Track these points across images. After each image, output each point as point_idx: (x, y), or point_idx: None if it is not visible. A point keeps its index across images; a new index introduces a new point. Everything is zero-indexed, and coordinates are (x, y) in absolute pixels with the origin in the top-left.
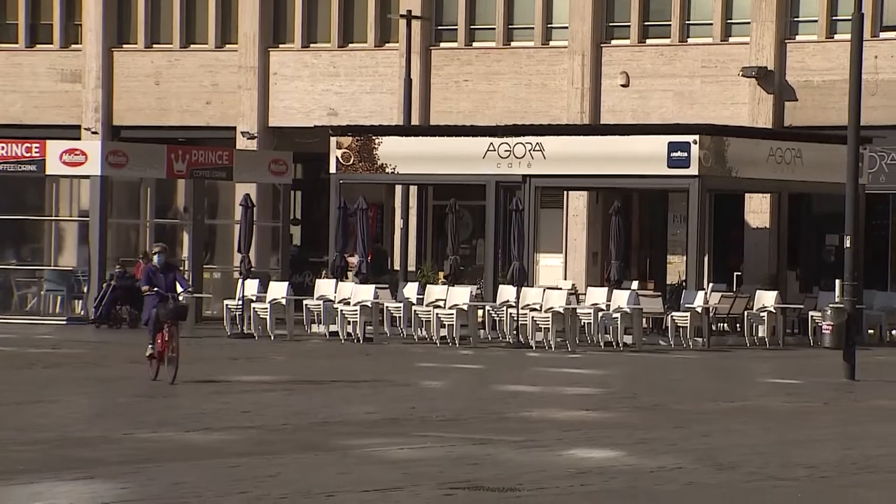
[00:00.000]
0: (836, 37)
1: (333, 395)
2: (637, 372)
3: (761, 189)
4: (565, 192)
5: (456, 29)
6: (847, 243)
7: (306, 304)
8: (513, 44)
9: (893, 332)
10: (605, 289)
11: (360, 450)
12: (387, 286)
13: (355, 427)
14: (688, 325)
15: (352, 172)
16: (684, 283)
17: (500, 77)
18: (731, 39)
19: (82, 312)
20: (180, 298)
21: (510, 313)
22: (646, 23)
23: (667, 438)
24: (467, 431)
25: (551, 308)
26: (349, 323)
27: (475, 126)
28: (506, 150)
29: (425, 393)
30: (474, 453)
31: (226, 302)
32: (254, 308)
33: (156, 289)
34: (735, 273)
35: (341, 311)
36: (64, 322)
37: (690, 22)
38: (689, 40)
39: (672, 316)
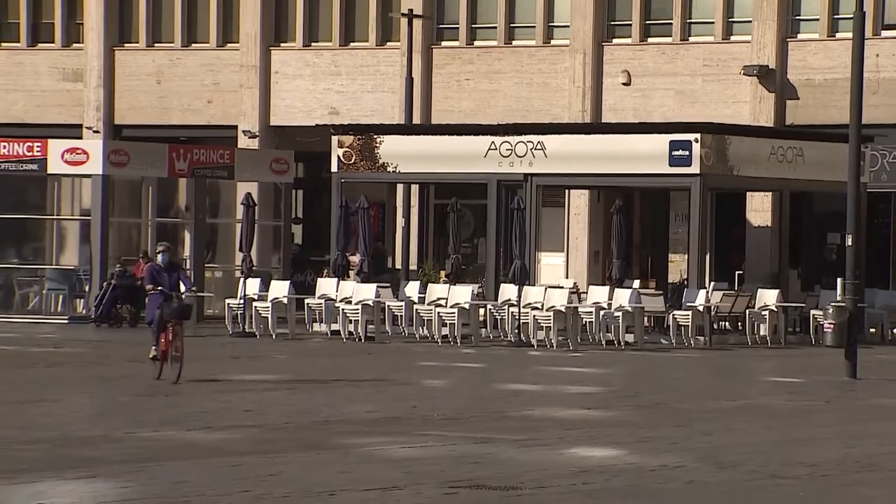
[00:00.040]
0: (838, 35)
1: (335, 394)
2: (639, 370)
3: (763, 188)
4: (567, 191)
5: (457, 28)
6: (848, 242)
7: (308, 303)
8: (514, 42)
9: (895, 330)
10: (607, 287)
11: (361, 448)
12: (388, 285)
13: (357, 426)
14: (689, 323)
15: (353, 171)
16: (686, 282)
17: (502, 76)
18: (733, 38)
19: (84, 311)
20: (184, 298)
21: (512, 312)
22: (647, 21)
23: (668, 437)
24: (469, 430)
25: (553, 307)
26: (351, 322)
27: (477, 125)
28: (507, 149)
29: (427, 392)
30: (476, 452)
31: (227, 301)
32: (255, 307)
33: (160, 288)
34: (737, 272)
35: (343, 309)
36: (66, 321)
37: (692, 20)
38: (691, 39)
39: (674, 314)
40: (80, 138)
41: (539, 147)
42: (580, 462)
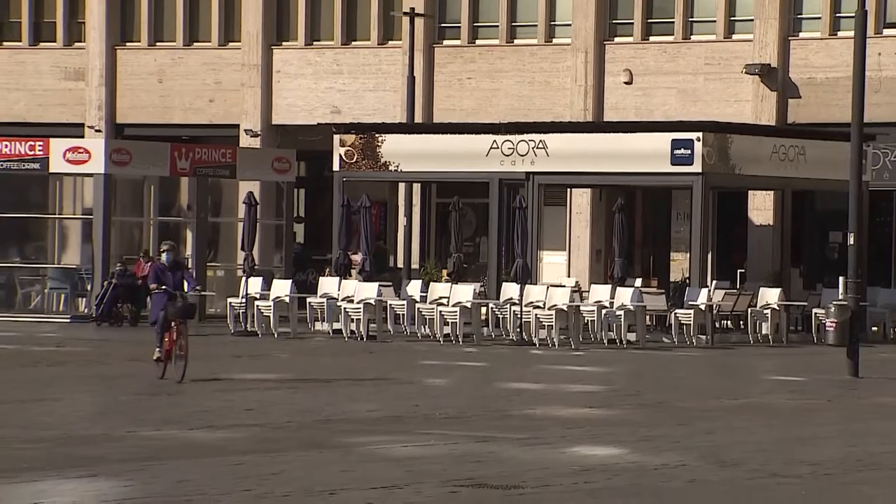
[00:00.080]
0: (840, 34)
1: (337, 393)
2: (640, 369)
3: (765, 186)
4: (569, 190)
5: (459, 26)
6: (850, 240)
7: (310, 302)
8: (516, 41)
9: None
10: (609, 286)
11: (363, 447)
12: (390, 284)
13: (359, 425)
14: (691, 322)
15: (355, 170)
16: (688, 281)
17: (504, 74)
18: (735, 37)
19: (86, 310)
20: (188, 297)
21: (513, 311)
22: (649, 20)
23: (670, 436)
24: (471, 429)
25: (555, 305)
26: (353, 321)
27: (478, 123)
28: (509, 148)
29: (429, 390)
30: (478, 451)
31: (229, 300)
32: (257, 306)
33: (164, 287)
34: (738, 270)
35: (345, 308)
36: (68, 320)
37: (694, 19)
38: (693, 37)
39: (675, 313)
40: (82, 137)
41: (541, 146)
42: (582, 461)
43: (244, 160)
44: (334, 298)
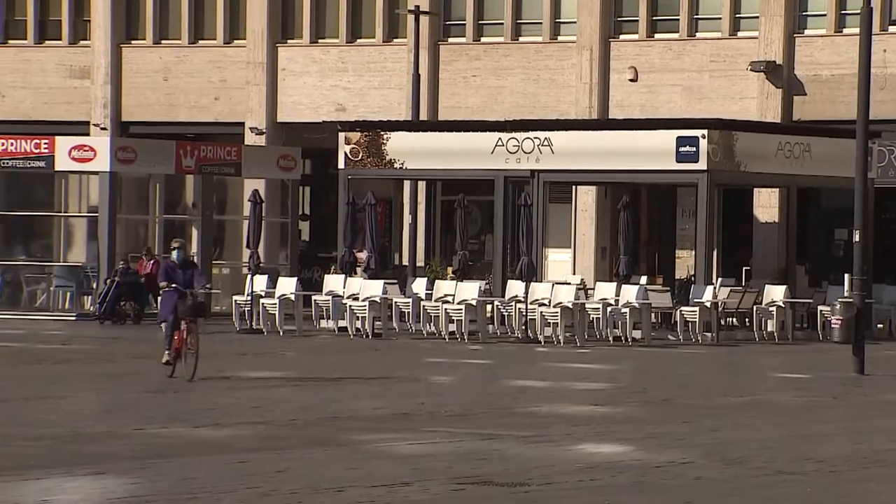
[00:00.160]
0: (845, 31)
1: (342, 391)
2: (646, 367)
3: (770, 183)
4: (574, 187)
5: (464, 24)
6: (856, 237)
7: (315, 300)
8: (521, 39)
9: None
10: (614, 284)
11: (369, 445)
12: (395, 281)
13: (364, 422)
14: (696, 319)
15: (360, 168)
16: (693, 278)
17: (509, 72)
18: (740, 34)
19: (91, 308)
20: (198, 295)
21: (519, 308)
22: (654, 17)
23: (676, 433)
24: (476, 426)
25: (560, 303)
26: (358, 318)
27: (483, 121)
28: (514, 145)
29: (434, 388)
30: (483, 448)
31: (235, 297)
32: (263, 304)
33: (174, 285)
34: (744, 268)
35: (350, 306)
36: (73, 318)
37: (699, 16)
38: (698, 35)
39: (681, 311)
40: (88, 135)
41: (546, 143)
42: (587, 458)
43: (249, 158)
44: (340, 296)
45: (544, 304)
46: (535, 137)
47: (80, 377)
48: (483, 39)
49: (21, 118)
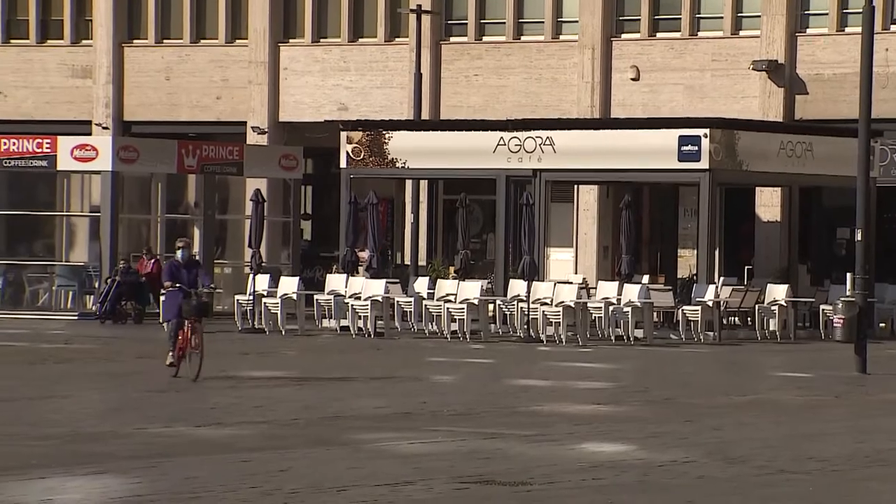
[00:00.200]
0: (847, 30)
1: (344, 390)
2: (648, 366)
3: (772, 183)
4: (576, 187)
5: (466, 23)
6: (858, 236)
7: (317, 299)
8: (523, 38)
9: None
10: (616, 283)
11: (371, 444)
12: (397, 281)
13: (366, 421)
14: (699, 318)
15: (362, 167)
16: (695, 277)
17: (511, 71)
18: (742, 33)
19: (94, 307)
20: (203, 295)
21: (521, 307)
22: (656, 16)
23: (678, 432)
24: (478, 426)
25: (562, 302)
26: (360, 318)
27: (485, 120)
28: (516, 145)
29: (436, 387)
30: (485, 447)
31: (237, 297)
32: (265, 303)
33: (178, 285)
34: (746, 267)
35: (352, 305)
36: (75, 317)
37: (700, 15)
38: (700, 34)
39: (683, 310)
40: (90, 135)
41: (548, 142)
42: (590, 457)
43: (251, 157)
44: (342, 295)
45: (546, 304)
46: (537, 137)
47: (82, 376)
48: (485, 39)
49: (23, 118)
